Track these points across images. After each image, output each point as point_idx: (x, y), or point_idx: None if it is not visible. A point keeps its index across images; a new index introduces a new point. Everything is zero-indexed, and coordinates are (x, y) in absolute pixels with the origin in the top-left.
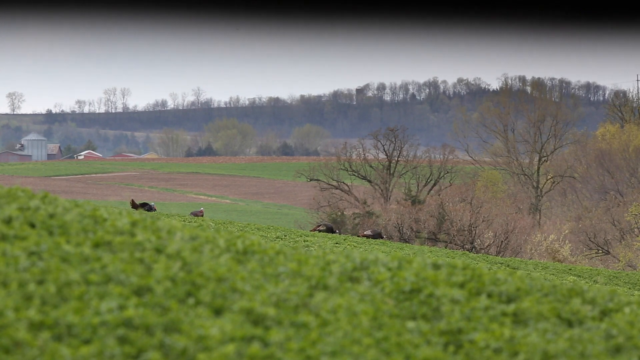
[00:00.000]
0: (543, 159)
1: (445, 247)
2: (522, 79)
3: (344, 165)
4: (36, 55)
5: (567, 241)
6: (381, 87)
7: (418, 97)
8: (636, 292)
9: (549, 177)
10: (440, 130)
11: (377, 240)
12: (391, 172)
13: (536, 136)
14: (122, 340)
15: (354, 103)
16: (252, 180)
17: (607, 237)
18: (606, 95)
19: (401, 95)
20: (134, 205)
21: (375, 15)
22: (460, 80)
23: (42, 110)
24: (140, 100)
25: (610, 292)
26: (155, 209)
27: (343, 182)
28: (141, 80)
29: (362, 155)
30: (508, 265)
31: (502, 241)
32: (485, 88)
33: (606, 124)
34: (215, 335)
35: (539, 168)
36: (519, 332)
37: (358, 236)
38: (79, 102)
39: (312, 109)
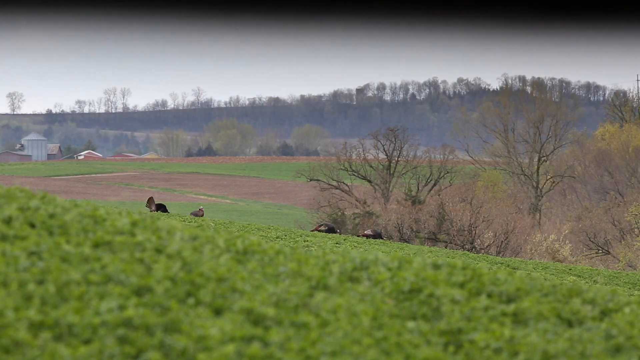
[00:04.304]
0: (543, 159)
1: (445, 247)
2: (522, 79)
3: (344, 165)
4: (36, 55)
5: (567, 241)
6: (381, 87)
7: (418, 97)
8: (636, 292)
9: (548, 177)
10: (440, 130)
11: (377, 240)
12: (391, 172)
13: (536, 136)
14: (122, 340)
15: (354, 103)
16: (252, 180)
17: (607, 237)
18: (606, 95)
19: (401, 95)
20: (154, 204)
21: (376, 15)
22: (460, 80)
23: (42, 110)
24: (140, 100)
25: (610, 292)
26: (168, 211)
27: (343, 182)
28: (141, 80)
29: (362, 155)
30: (508, 265)
31: (502, 241)
32: (485, 88)
33: (606, 124)
34: (215, 335)
35: (538, 168)
36: (519, 332)
37: (358, 236)
38: (79, 102)
39: (312, 109)
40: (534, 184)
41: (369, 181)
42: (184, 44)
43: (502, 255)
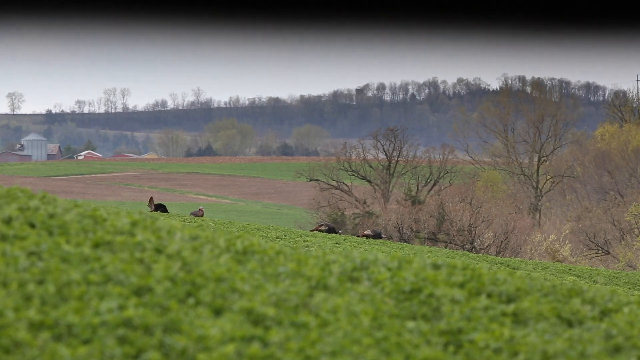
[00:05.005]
0: (543, 159)
1: (445, 247)
2: (522, 79)
3: (343, 166)
4: (36, 55)
5: (567, 241)
6: (381, 87)
7: (418, 97)
8: (636, 292)
9: (548, 177)
10: (440, 130)
11: (377, 240)
12: (391, 172)
13: (536, 136)
14: (122, 340)
15: (354, 103)
16: (252, 180)
17: (607, 237)
18: (606, 95)
19: (401, 95)
20: (153, 204)
21: (376, 15)
22: (460, 80)
23: (42, 110)
24: (140, 100)
25: (610, 292)
26: (168, 211)
27: (343, 182)
28: (141, 80)
29: (362, 156)
30: (508, 265)
31: (502, 241)
32: (485, 88)
33: (605, 124)
34: (215, 335)
35: (538, 168)
36: (519, 332)
37: (358, 236)
38: (79, 102)
39: (312, 109)
40: (534, 184)
41: (369, 181)
42: (184, 44)
43: (502, 255)
